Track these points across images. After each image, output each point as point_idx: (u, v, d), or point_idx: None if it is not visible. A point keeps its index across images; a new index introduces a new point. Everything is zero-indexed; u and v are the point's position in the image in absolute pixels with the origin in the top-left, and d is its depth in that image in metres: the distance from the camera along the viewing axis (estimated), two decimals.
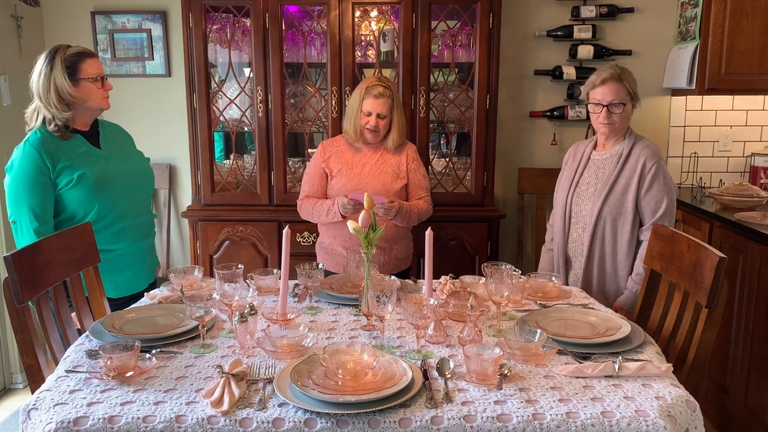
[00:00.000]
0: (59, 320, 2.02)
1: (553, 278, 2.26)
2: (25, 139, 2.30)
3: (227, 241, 3.44)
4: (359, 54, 3.42)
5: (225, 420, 1.40)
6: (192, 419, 1.40)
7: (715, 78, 3.40)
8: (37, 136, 2.28)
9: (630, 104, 2.50)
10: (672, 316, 2.04)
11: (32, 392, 1.71)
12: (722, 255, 1.80)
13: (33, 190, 2.25)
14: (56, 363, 1.85)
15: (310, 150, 3.61)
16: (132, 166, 2.50)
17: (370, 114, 2.65)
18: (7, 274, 1.82)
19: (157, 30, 3.75)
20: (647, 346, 1.79)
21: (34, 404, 1.48)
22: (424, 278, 2.01)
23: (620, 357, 1.65)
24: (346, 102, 3.32)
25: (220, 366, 1.56)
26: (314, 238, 3.36)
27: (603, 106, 2.48)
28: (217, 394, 1.45)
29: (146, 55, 3.75)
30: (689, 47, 3.51)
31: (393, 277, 2.15)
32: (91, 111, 2.38)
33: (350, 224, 1.94)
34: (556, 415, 1.42)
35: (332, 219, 2.64)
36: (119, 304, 2.34)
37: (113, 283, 2.39)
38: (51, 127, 2.29)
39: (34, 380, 1.84)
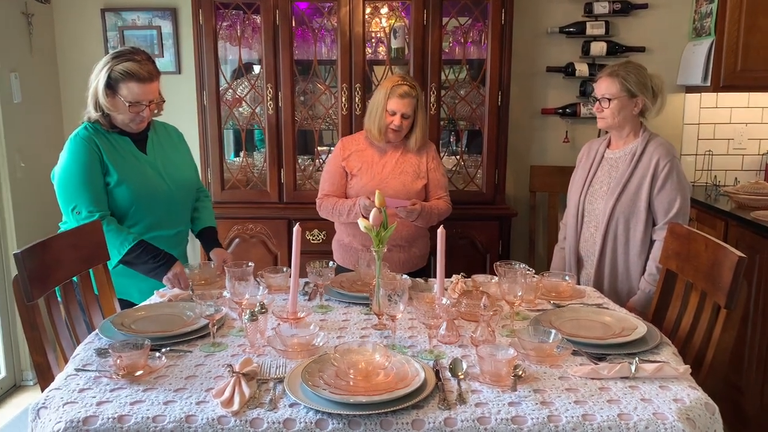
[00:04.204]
0: (69, 318, 2.01)
1: (567, 278, 2.23)
2: (73, 134, 2.27)
3: (237, 239, 3.43)
4: (369, 51, 3.40)
5: (235, 420, 1.38)
6: (202, 419, 1.38)
7: (730, 75, 3.35)
8: (87, 131, 2.26)
9: (622, 100, 2.44)
10: (689, 316, 2.00)
11: (42, 390, 1.70)
12: (741, 255, 1.77)
13: (89, 175, 2.21)
14: (66, 361, 1.84)
15: (319, 147, 3.59)
16: (175, 176, 2.42)
17: (394, 114, 2.61)
18: (17, 271, 1.81)
19: (167, 27, 3.74)
20: (664, 347, 1.76)
21: (44, 403, 1.47)
22: (435, 277, 1.99)
23: (637, 358, 1.62)
24: (356, 99, 3.31)
25: (231, 365, 1.54)
26: (324, 236, 3.34)
27: (596, 99, 2.51)
28: (227, 393, 1.43)
29: (156, 53, 3.74)
30: (704, 43, 3.46)
31: (404, 276, 2.12)
32: (123, 125, 2.31)
33: (361, 222, 1.92)
34: (572, 417, 1.39)
35: (353, 219, 2.61)
36: None
37: (138, 289, 2.34)
38: (97, 114, 2.26)
39: (44, 378, 1.83)
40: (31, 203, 3.50)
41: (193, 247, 3.58)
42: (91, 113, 2.27)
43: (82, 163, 2.21)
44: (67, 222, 2.28)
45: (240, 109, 3.51)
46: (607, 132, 2.65)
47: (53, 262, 1.95)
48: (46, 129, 3.70)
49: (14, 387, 3.49)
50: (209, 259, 2.51)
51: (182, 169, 2.49)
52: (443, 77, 3.38)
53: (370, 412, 1.37)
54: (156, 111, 2.39)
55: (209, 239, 2.55)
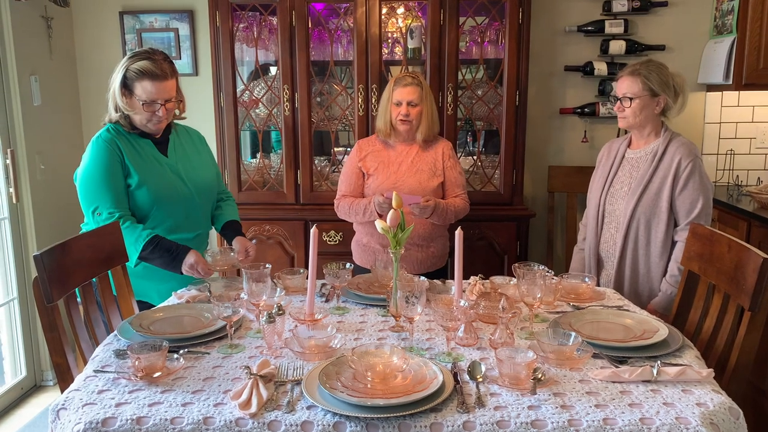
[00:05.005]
0: (88, 319, 2.02)
1: (587, 279, 2.20)
2: (95, 136, 2.28)
3: (254, 240, 3.44)
4: (386, 51, 3.39)
5: (253, 422, 1.37)
6: (220, 421, 1.38)
7: (753, 73, 3.30)
8: (109, 134, 2.27)
9: (644, 99, 2.41)
10: (711, 318, 1.97)
11: (61, 391, 1.71)
12: (766, 256, 1.74)
13: (110, 177, 2.22)
14: (85, 362, 1.85)
15: (336, 148, 3.59)
16: (195, 180, 2.41)
17: (400, 104, 2.65)
18: (37, 273, 1.83)
19: (184, 29, 3.76)
20: (686, 349, 1.73)
21: (63, 404, 1.47)
22: (453, 278, 1.97)
23: (658, 361, 1.59)
24: (373, 100, 3.30)
25: (248, 367, 1.54)
26: (341, 237, 3.34)
27: (617, 99, 2.48)
28: (245, 395, 1.43)
29: (173, 54, 3.76)
30: (725, 41, 3.41)
31: (422, 278, 2.11)
32: (142, 125, 2.31)
33: (378, 224, 1.91)
34: (593, 421, 1.37)
35: (369, 218, 2.63)
36: None
37: (157, 291, 2.35)
38: (117, 115, 2.26)
39: (63, 379, 1.84)
40: (51, 205, 3.53)
41: None
42: (112, 114, 2.28)
43: (103, 165, 2.23)
44: (89, 223, 2.30)
45: (257, 111, 3.52)
46: (627, 131, 2.62)
47: (73, 263, 1.96)
48: (65, 131, 3.73)
49: (34, 387, 3.53)
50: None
51: (203, 172, 2.49)
52: (460, 77, 3.37)
53: (388, 415, 1.36)
54: (178, 113, 2.40)
55: (233, 231, 2.51)
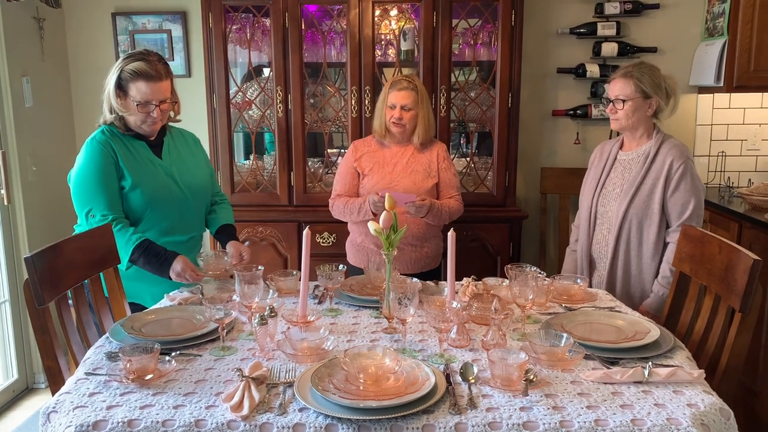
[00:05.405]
0: (79, 321, 2.01)
1: (579, 280, 2.20)
2: (90, 137, 2.28)
3: (247, 242, 3.43)
4: (379, 53, 3.40)
5: (245, 425, 1.37)
6: (212, 424, 1.38)
7: (743, 75, 3.32)
8: (104, 135, 2.26)
9: (637, 101, 2.43)
10: (702, 320, 1.98)
11: (53, 394, 1.70)
12: (756, 257, 1.75)
13: (104, 179, 2.21)
14: (77, 364, 1.84)
15: (329, 150, 3.59)
16: (189, 182, 2.41)
17: (394, 107, 2.67)
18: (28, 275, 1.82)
19: (177, 31, 3.76)
20: (677, 350, 1.73)
21: (54, 407, 1.47)
22: (446, 280, 1.97)
23: (650, 362, 1.60)
24: (366, 101, 3.31)
25: (240, 369, 1.53)
26: (334, 239, 3.34)
27: (609, 101, 2.49)
28: (237, 398, 1.43)
29: (166, 56, 3.75)
30: (717, 43, 3.43)
31: (415, 279, 2.12)
32: (136, 127, 2.31)
33: (371, 225, 1.91)
34: (584, 422, 1.37)
35: (364, 217, 2.64)
36: None
37: (150, 293, 2.34)
38: (112, 116, 2.26)
39: (55, 382, 1.84)
40: (42, 207, 3.52)
41: None
42: (106, 116, 2.28)
43: (97, 167, 2.22)
44: (82, 225, 2.29)
45: (250, 112, 3.52)
46: (619, 133, 2.63)
47: (64, 265, 1.95)
48: (57, 133, 3.72)
49: (26, 390, 3.51)
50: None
51: (197, 174, 2.48)
52: (453, 79, 3.37)
53: (380, 417, 1.36)
54: (173, 114, 2.40)
55: (227, 236, 2.50)
